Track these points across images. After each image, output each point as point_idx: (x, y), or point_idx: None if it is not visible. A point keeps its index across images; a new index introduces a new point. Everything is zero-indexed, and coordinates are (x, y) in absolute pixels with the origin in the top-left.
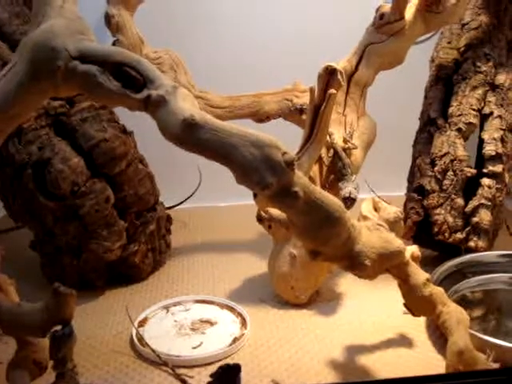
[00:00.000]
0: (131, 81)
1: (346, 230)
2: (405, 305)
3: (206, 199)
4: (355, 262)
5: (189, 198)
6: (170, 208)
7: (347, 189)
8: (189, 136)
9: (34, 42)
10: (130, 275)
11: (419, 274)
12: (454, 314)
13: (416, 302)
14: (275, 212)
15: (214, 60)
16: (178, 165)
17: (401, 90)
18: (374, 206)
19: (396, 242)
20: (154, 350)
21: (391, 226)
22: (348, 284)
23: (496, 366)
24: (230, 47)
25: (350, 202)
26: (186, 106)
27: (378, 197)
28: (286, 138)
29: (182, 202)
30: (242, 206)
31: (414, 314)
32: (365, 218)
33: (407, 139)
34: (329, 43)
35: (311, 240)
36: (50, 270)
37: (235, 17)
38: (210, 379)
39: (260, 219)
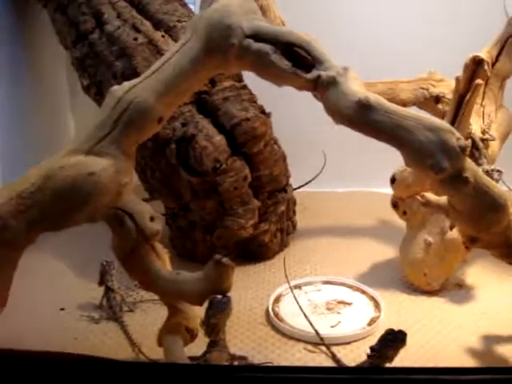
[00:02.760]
0: (301, 61)
1: (507, 218)
2: None
3: (325, 184)
4: None
5: (310, 181)
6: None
7: (486, 166)
8: (363, 117)
9: (209, 19)
10: (257, 253)
11: None
12: None
13: None
14: (432, 197)
15: (349, 44)
16: (304, 148)
17: None
18: None
19: None
20: (313, 326)
21: None
22: (476, 274)
23: None
24: (367, 32)
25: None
26: (358, 88)
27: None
28: None
29: (304, 185)
30: (359, 193)
31: None
32: None
33: None
34: (459, 34)
35: (473, 225)
36: (181, 243)
37: (370, 5)
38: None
39: (395, 205)
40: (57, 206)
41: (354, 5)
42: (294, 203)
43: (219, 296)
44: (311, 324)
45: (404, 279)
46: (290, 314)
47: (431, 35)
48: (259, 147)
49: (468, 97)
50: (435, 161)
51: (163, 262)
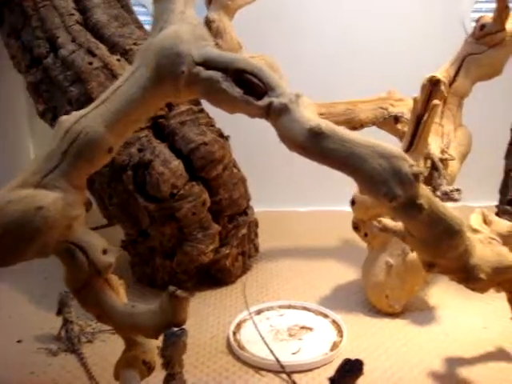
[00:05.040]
0: (253, 88)
1: (464, 243)
2: None
3: (288, 204)
4: (470, 276)
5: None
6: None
7: (445, 187)
8: (315, 145)
9: (159, 46)
10: (219, 278)
11: None
12: None
13: None
14: (389, 222)
15: (309, 66)
16: (266, 169)
17: (491, 101)
18: (484, 219)
19: (510, 256)
20: (273, 353)
21: (504, 240)
22: (439, 294)
23: None
24: (325, 54)
25: (447, 200)
26: (311, 115)
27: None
28: None
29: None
30: (323, 212)
31: None
32: (475, 230)
33: (497, 150)
34: (416, 53)
35: (429, 251)
36: (141, 269)
37: (329, 22)
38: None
39: (356, 227)
40: (5, 242)
41: (315, 24)
42: (256, 225)
43: (175, 328)
44: (271, 352)
45: (366, 302)
46: (252, 341)
47: (393, 52)
48: (218, 171)
49: (425, 117)
50: (388, 188)
51: (118, 294)
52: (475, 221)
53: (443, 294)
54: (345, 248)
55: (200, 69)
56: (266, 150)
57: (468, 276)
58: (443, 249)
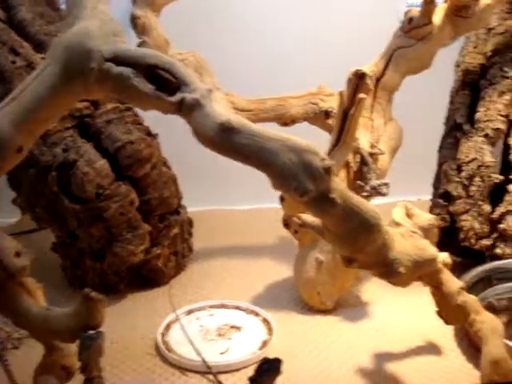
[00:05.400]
0: (165, 84)
1: (382, 236)
2: (438, 313)
3: (225, 202)
4: (390, 270)
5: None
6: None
7: (374, 181)
8: (225, 140)
9: (68, 43)
10: (152, 279)
11: (452, 282)
12: (488, 322)
13: (449, 310)
14: (308, 218)
15: (239, 62)
16: (198, 167)
17: (424, 95)
18: (407, 213)
19: (430, 249)
20: (200, 354)
21: (425, 233)
22: (373, 290)
23: None
24: (255, 49)
25: (376, 194)
26: (222, 110)
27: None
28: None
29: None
30: (262, 210)
31: (446, 322)
32: (397, 224)
33: (431, 144)
34: (352, 46)
35: (347, 246)
36: (71, 272)
37: (260, 19)
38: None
39: (286, 224)
40: None
41: (246, 20)
42: (190, 224)
43: (91, 331)
44: (198, 352)
45: (299, 299)
46: (181, 343)
47: (329, 46)
48: (145, 170)
49: (352, 111)
50: (299, 183)
51: (35, 297)
52: (397, 214)
53: (377, 289)
54: (280, 245)
55: (110, 65)
56: (202, 149)
57: (388, 270)
58: (360, 243)
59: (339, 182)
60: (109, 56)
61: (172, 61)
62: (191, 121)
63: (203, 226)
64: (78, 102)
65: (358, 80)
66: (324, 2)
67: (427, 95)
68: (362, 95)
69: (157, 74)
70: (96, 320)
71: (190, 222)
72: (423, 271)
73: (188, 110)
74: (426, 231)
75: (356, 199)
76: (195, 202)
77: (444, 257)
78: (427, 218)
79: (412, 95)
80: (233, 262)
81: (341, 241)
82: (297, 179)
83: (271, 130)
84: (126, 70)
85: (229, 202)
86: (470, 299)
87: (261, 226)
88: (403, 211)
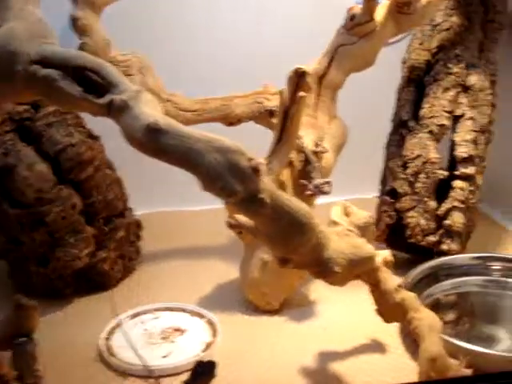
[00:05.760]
0: (94, 86)
1: (315, 236)
2: (376, 311)
3: (177, 203)
4: (325, 269)
5: None
6: None
7: (317, 180)
8: (152, 142)
9: None
10: (99, 283)
11: (390, 280)
12: (425, 319)
13: (387, 308)
14: (243, 218)
15: (184, 63)
16: (148, 169)
17: (374, 92)
18: (345, 211)
19: (366, 247)
20: (140, 358)
21: (361, 231)
22: (321, 289)
23: (468, 372)
24: (201, 48)
25: (319, 193)
26: (150, 111)
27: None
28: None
29: None
30: (213, 210)
31: (385, 321)
32: (335, 223)
33: (381, 141)
34: (301, 44)
35: (279, 247)
36: (18, 278)
37: (206, 17)
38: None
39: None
40: None
41: (191, 20)
42: (139, 226)
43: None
44: (139, 356)
45: (245, 300)
46: (124, 347)
47: (276, 44)
48: (88, 173)
49: (293, 110)
50: (225, 184)
51: None
52: (335, 213)
53: (325, 288)
54: (231, 246)
55: (37, 67)
56: None
57: (323, 269)
58: (293, 243)
59: (269, 182)
60: (35, 58)
61: (101, 62)
62: (120, 122)
63: (153, 228)
64: (14, 104)
65: (298, 78)
66: (274, 2)
67: (377, 92)
68: (302, 93)
69: (85, 76)
70: (28, 327)
71: (139, 225)
72: (360, 269)
73: (117, 111)
74: (362, 229)
75: (287, 199)
76: (144, 204)
77: (386, 254)
78: (363, 217)
79: (361, 92)
80: (182, 264)
81: (273, 241)
82: (223, 180)
83: (200, 131)
84: (53, 73)
85: (179, 203)
86: (409, 296)
87: (211, 227)
88: (341, 210)
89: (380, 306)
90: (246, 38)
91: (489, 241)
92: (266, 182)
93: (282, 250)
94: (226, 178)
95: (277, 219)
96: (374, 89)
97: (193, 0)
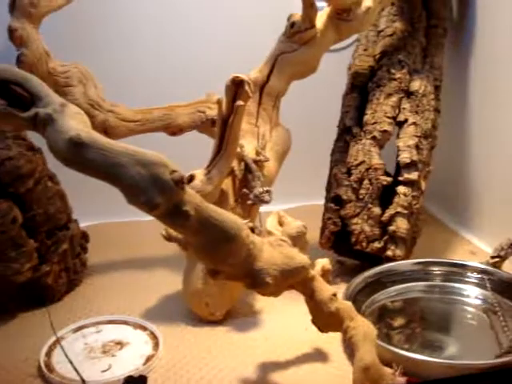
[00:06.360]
0: (19, 99)
1: (245, 247)
2: (313, 321)
3: (123, 214)
4: (257, 280)
5: None
6: None
7: (258, 189)
8: (75, 155)
9: None
10: (43, 297)
11: (325, 289)
12: (360, 328)
13: (323, 318)
14: (173, 231)
15: (125, 73)
16: (93, 181)
17: (325, 98)
18: (279, 221)
19: (299, 257)
20: (79, 374)
21: (294, 241)
22: (266, 299)
23: (403, 380)
24: (144, 58)
25: (259, 202)
26: (74, 124)
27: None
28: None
29: None
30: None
31: (321, 331)
32: (269, 233)
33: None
34: (245, 53)
35: (208, 259)
36: None
37: (148, 27)
38: None
39: (167, 237)
40: None
41: (133, 30)
42: (85, 239)
43: None
44: (77, 371)
45: (189, 311)
46: (63, 362)
47: (223, 52)
48: (27, 186)
49: (231, 119)
50: (148, 197)
51: None
52: (270, 223)
53: (271, 297)
54: (177, 257)
55: None
56: None
57: (254, 281)
58: (221, 255)
59: (193, 194)
60: None
61: (26, 75)
62: (45, 136)
63: (99, 240)
64: None
65: (236, 87)
66: (220, 7)
67: (328, 99)
68: (240, 102)
69: (10, 90)
70: None
71: (85, 237)
72: (293, 280)
73: (41, 125)
74: (295, 239)
75: (214, 210)
76: (90, 216)
77: (324, 263)
78: (296, 226)
79: (309, 99)
80: (127, 276)
81: (201, 253)
82: (145, 193)
83: (126, 144)
84: None
85: (125, 214)
86: (344, 306)
87: (157, 238)
88: (276, 220)
89: (315, 316)
90: (189, 47)
91: (438, 245)
92: (191, 194)
93: (211, 262)
94: (149, 191)
95: (203, 231)
96: (325, 95)
97: (133, 9)
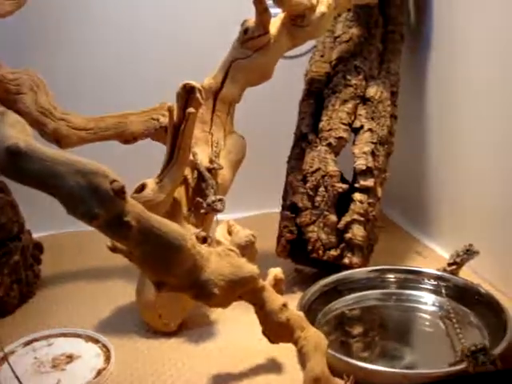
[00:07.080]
0: None
1: (190, 257)
2: (263, 332)
3: (79, 223)
4: (203, 291)
5: None
6: None
7: (210, 197)
8: (12, 165)
9: None
10: None
11: (275, 299)
12: (311, 339)
13: (273, 329)
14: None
15: (78, 80)
16: None
17: (280, 106)
18: (228, 230)
19: (247, 267)
20: None
21: (243, 251)
22: (221, 309)
23: None
24: (97, 67)
25: (211, 211)
26: (13, 133)
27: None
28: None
29: None
30: None
31: (272, 342)
32: (218, 242)
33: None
34: (200, 59)
35: (152, 270)
36: None
37: (104, 34)
38: None
39: (113, 248)
40: None
41: (85, 36)
42: (40, 250)
43: None
44: None
45: (143, 323)
46: (10, 378)
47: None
48: None
49: (182, 127)
50: (86, 207)
51: None
52: (219, 232)
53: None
54: (132, 268)
55: None
56: None
57: (201, 292)
58: (166, 266)
59: (135, 204)
60: None
61: None
62: None
63: (54, 251)
64: None
65: (187, 94)
66: (174, 13)
67: (282, 106)
68: (191, 109)
69: None
70: None
71: (39, 248)
72: (241, 290)
73: None
74: (243, 248)
75: (156, 221)
76: (44, 226)
77: (276, 272)
78: (244, 235)
79: (267, 106)
80: (81, 287)
81: (144, 264)
82: (84, 203)
83: (67, 153)
84: None
85: (81, 224)
86: (295, 316)
87: None
88: (225, 229)
89: (265, 327)
90: (144, 54)
91: (396, 251)
92: (133, 205)
93: (155, 273)
94: (88, 201)
95: (145, 242)
96: (283, 102)
97: (89, 16)
